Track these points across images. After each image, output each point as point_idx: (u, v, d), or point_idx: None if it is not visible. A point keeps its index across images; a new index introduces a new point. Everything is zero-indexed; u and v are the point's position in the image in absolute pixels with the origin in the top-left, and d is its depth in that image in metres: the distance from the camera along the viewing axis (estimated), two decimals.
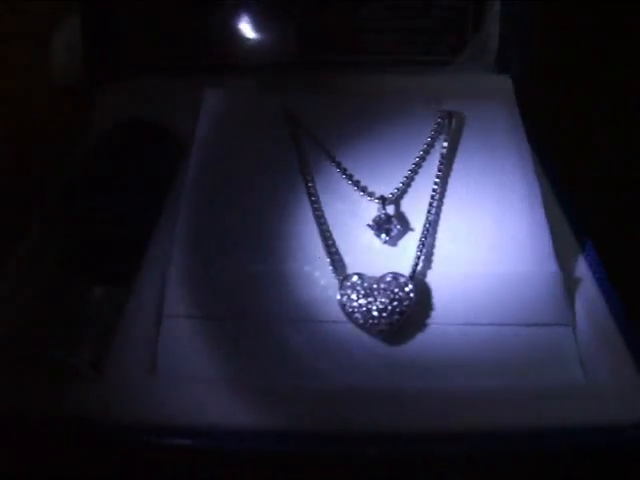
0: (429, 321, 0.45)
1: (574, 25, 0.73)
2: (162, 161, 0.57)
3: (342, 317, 0.45)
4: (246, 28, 0.64)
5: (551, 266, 0.47)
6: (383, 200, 0.50)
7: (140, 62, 0.64)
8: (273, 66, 0.64)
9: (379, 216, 0.49)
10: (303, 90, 0.57)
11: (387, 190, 0.51)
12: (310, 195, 0.50)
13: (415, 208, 0.50)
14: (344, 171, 0.52)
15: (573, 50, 0.72)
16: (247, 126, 0.54)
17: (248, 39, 0.64)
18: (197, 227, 0.49)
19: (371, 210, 0.49)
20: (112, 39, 0.63)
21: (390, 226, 0.48)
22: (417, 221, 0.49)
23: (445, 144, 0.52)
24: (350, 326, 0.45)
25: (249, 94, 0.57)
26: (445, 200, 0.50)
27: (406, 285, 0.45)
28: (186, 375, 0.43)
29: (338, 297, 0.45)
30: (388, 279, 0.45)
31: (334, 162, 0.52)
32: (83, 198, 0.53)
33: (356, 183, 0.51)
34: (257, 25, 0.64)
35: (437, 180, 0.51)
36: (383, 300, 0.45)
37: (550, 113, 0.64)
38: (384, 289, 0.45)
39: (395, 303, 0.45)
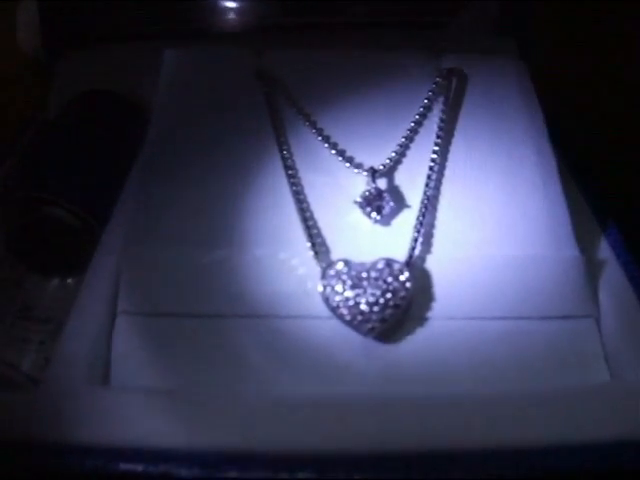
0: (429, 315, 0.40)
1: None
2: (123, 135, 0.52)
3: (325, 312, 0.39)
4: None
5: (571, 249, 0.42)
6: (373, 172, 0.43)
7: (104, 29, 0.61)
8: (247, 30, 0.60)
9: (368, 191, 0.42)
10: (280, 47, 0.51)
11: (378, 161, 0.44)
12: (287, 168, 0.43)
13: (411, 181, 0.44)
14: (327, 139, 0.45)
15: (579, 9, 0.67)
16: (213, 90, 0.47)
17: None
18: (153, 210, 0.43)
19: (359, 184, 0.43)
20: (72, 5, 0.59)
21: (381, 203, 0.42)
22: (413, 197, 0.43)
23: (444, 107, 0.46)
24: (335, 322, 0.39)
25: (216, 51, 0.50)
26: (446, 172, 0.44)
27: (401, 273, 0.39)
28: (140, 385, 0.38)
29: (320, 289, 0.39)
30: (380, 266, 0.39)
31: (315, 129, 0.45)
32: (34, 176, 0.48)
33: (341, 153, 0.44)
34: None
35: (436, 149, 0.44)
36: (374, 292, 0.38)
37: (559, 80, 0.60)
38: (375, 278, 0.39)
39: (388, 295, 0.38)
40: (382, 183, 0.43)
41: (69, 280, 0.49)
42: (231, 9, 0.61)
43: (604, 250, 0.44)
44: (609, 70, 0.64)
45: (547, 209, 0.43)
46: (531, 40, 0.58)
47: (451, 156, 0.45)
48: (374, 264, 0.39)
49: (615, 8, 0.68)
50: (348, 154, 0.44)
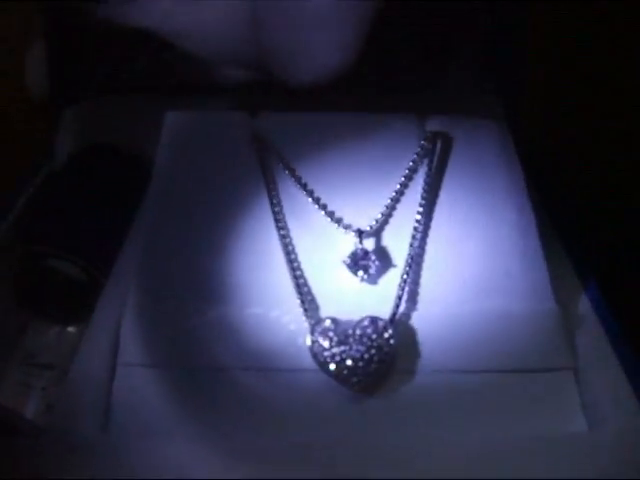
0: (413, 369, 0.41)
1: (563, 41, 0.69)
2: (125, 189, 0.53)
3: (314, 366, 0.40)
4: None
5: (548, 302, 0.43)
6: (360, 233, 0.45)
7: (107, 81, 0.61)
8: (242, 85, 0.61)
9: (355, 251, 0.44)
10: (273, 108, 0.52)
11: (365, 222, 0.46)
12: (279, 228, 0.45)
13: (396, 241, 0.45)
14: (317, 200, 0.47)
15: (564, 67, 0.69)
16: (211, 151, 0.49)
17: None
18: (154, 265, 0.45)
19: (347, 244, 0.45)
20: (78, 57, 0.61)
21: (368, 262, 0.44)
22: (398, 256, 0.45)
23: (429, 169, 0.48)
24: (323, 375, 0.40)
25: (213, 114, 0.52)
26: (429, 232, 0.46)
27: (385, 330, 0.41)
28: (141, 431, 0.39)
29: (309, 344, 0.41)
30: (365, 323, 0.41)
31: (306, 190, 0.47)
32: (38, 228, 0.50)
33: (330, 214, 0.46)
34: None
35: (420, 209, 0.46)
36: (359, 348, 0.40)
37: (542, 134, 0.62)
38: (360, 335, 0.40)
39: (373, 351, 0.40)
40: (369, 243, 0.45)
41: (71, 328, 0.50)
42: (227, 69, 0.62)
43: (583, 303, 0.45)
44: (593, 126, 0.66)
45: (526, 265, 0.44)
46: (515, 96, 0.59)
47: (435, 216, 0.46)
48: (360, 322, 0.41)
49: (604, 54, 0.70)
50: (337, 215, 0.46)
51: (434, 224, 0.46)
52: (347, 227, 0.45)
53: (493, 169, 0.48)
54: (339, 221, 0.46)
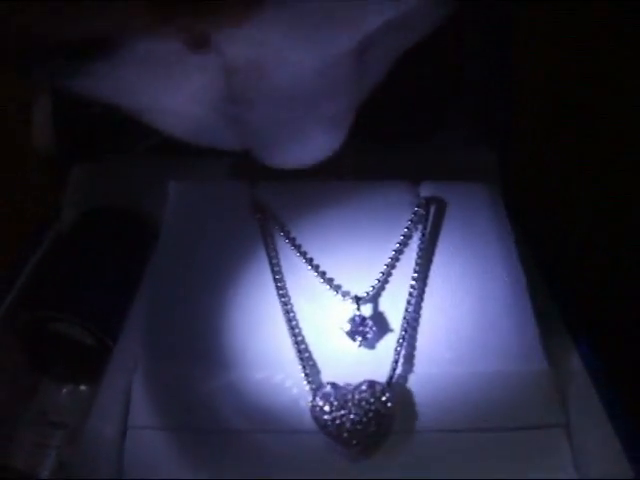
0: (410, 429, 0.43)
1: (559, 95, 0.72)
2: (131, 252, 0.55)
3: (315, 428, 0.42)
4: None
5: (539, 363, 0.45)
6: (357, 300, 0.47)
7: (112, 142, 0.64)
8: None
9: (354, 318, 0.46)
10: (271, 174, 0.55)
11: (362, 288, 0.48)
12: (280, 295, 0.47)
13: (392, 307, 0.47)
14: (316, 268, 0.49)
15: (558, 121, 0.72)
16: (213, 220, 0.52)
17: None
18: (159, 330, 0.47)
19: (346, 310, 0.47)
20: (84, 119, 0.62)
21: (365, 328, 0.46)
22: (395, 321, 0.47)
23: (423, 235, 0.50)
24: (323, 437, 0.42)
25: (216, 185, 0.54)
26: (425, 296, 0.48)
27: (383, 394, 0.43)
28: None
29: (310, 408, 0.43)
30: (363, 388, 0.43)
31: (305, 258, 0.49)
32: (49, 293, 0.51)
33: (329, 281, 0.48)
34: None
35: (415, 275, 0.48)
36: (358, 412, 0.42)
37: (536, 190, 0.64)
38: (359, 400, 0.42)
39: (371, 414, 0.42)
40: (366, 309, 0.47)
41: (82, 387, 0.52)
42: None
43: (574, 360, 0.46)
44: (584, 178, 0.67)
45: (517, 327, 0.46)
46: (508, 151, 0.61)
47: (429, 281, 0.48)
48: (358, 386, 0.43)
49: (596, 111, 0.72)
50: (335, 282, 0.48)
51: (429, 289, 0.48)
52: (345, 294, 0.47)
53: (485, 233, 0.50)
54: (337, 288, 0.48)
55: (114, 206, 0.58)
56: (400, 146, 0.62)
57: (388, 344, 0.46)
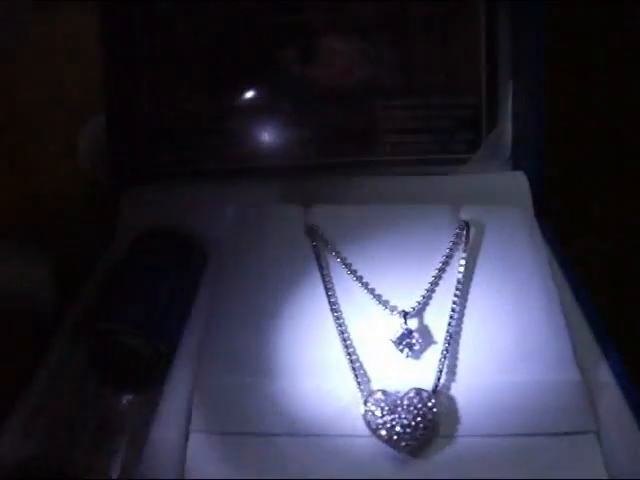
0: (454, 433, 0.46)
1: (588, 120, 0.74)
2: (186, 271, 0.58)
3: (367, 432, 0.46)
4: (264, 132, 0.66)
5: (572, 374, 0.48)
6: (405, 314, 0.51)
7: (163, 166, 0.66)
8: (290, 169, 0.66)
9: (401, 331, 0.50)
10: (322, 197, 0.59)
11: (408, 304, 0.52)
12: (333, 310, 0.51)
13: (436, 321, 0.51)
14: (366, 285, 0.53)
15: (589, 145, 0.74)
16: (268, 242, 0.56)
17: (266, 143, 0.66)
18: (218, 344, 0.50)
19: (393, 324, 0.50)
20: (136, 142, 0.65)
21: (412, 341, 0.49)
22: (439, 334, 0.50)
23: (464, 255, 0.54)
24: (375, 441, 0.45)
25: (270, 208, 0.59)
26: (466, 312, 0.51)
27: (429, 400, 0.46)
28: None
29: (362, 413, 0.46)
30: (411, 394, 0.46)
31: (356, 276, 0.53)
32: (115, 308, 0.54)
33: (378, 297, 0.52)
34: (274, 129, 0.66)
35: (457, 292, 0.52)
36: (407, 416, 0.45)
37: (567, 209, 0.66)
38: (407, 405, 0.46)
39: (419, 419, 0.45)
40: (412, 323, 0.51)
41: (142, 396, 0.53)
42: (273, 149, 0.66)
43: (604, 371, 0.49)
44: (613, 189, 0.69)
45: (552, 341, 0.49)
46: (541, 175, 0.63)
47: (470, 297, 0.52)
48: (407, 393, 0.46)
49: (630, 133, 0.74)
50: (384, 298, 0.52)
51: (469, 304, 0.52)
52: (393, 309, 0.51)
53: (520, 254, 0.54)
54: (386, 303, 0.52)
55: (168, 228, 0.60)
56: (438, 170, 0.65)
57: (433, 355, 0.49)
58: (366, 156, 0.66)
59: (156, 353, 0.52)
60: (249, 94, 0.65)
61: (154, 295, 0.55)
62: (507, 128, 0.65)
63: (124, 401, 0.53)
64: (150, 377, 0.52)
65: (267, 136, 0.66)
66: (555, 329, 0.50)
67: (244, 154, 0.66)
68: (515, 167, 0.65)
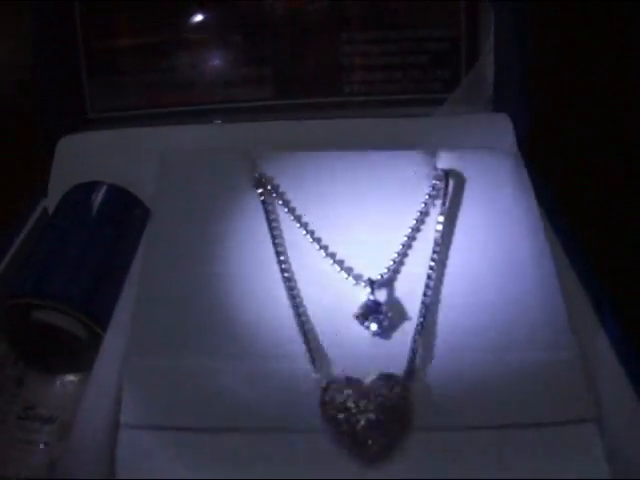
0: (430, 426, 0.39)
1: (574, 57, 0.70)
2: (123, 230, 0.51)
3: (325, 426, 0.39)
4: (212, 69, 0.61)
5: (569, 352, 0.42)
6: (371, 283, 0.43)
7: (101, 110, 0.61)
8: (242, 111, 0.61)
9: (367, 303, 0.42)
10: (275, 143, 0.52)
11: (376, 270, 0.44)
12: (286, 280, 0.44)
13: (409, 291, 0.44)
14: (325, 248, 0.45)
15: (577, 83, 0.70)
16: (210, 193, 0.49)
17: (214, 81, 0.61)
18: (151, 319, 0.43)
19: (358, 295, 0.43)
20: (70, 86, 0.60)
21: (380, 315, 0.42)
22: (412, 306, 0.43)
23: (442, 212, 0.46)
24: (335, 436, 0.39)
25: (212, 153, 0.51)
26: (444, 279, 0.44)
27: (399, 387, 0.39)
28: None
29: (320, 403, 0.39)
30: (379, 380, 0.39)
31: (313, 238, 0.46)
32: (33, 279, 0.48)
33: (339, 263, 0.45)
34: (223, 65, 0.61)
35: (434, 256, 0.45)
36: (373, 408, 0.38)
37: (556, 157, 0.61)
38: (374, 395, 0.39)
39: (387, 411, 0.38)
40: (380, 294, 0.43)
41: (71, 378, 0.49)
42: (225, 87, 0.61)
43: (605, 347, 0.43)
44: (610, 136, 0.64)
45: (546, 312, 0.43)
46: (526, 116, 0.58)
47: (449, 262, 0.45)
48: (372, 379, 0.39)
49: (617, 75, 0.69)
50: (346, 264, 0.45)
51: (449, 270, 0.45)
52: (357, 278, 0.44)
53: (509, 208, 0.48)
54: (349, 271, 0.45)
55: (102, 181, 0.54)
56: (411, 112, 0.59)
57: (405, 332, 0.42)
58: (329, 96, 0.61)
59: (85, 330, 0.46)
60: (194, 25, 0.60)
61: (81, 261, 0.48)
62: (489, 64, 0.60)
63: (57, 383, 0.49)
64: (82, 357, 0.46)
65: (215, 73, 0.61)
66: (550, 299, 0.44)
67: (190, 94, 0.61)
68: (497, 109, 0.59)
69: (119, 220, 0.52)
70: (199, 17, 0.60)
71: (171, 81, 0.61)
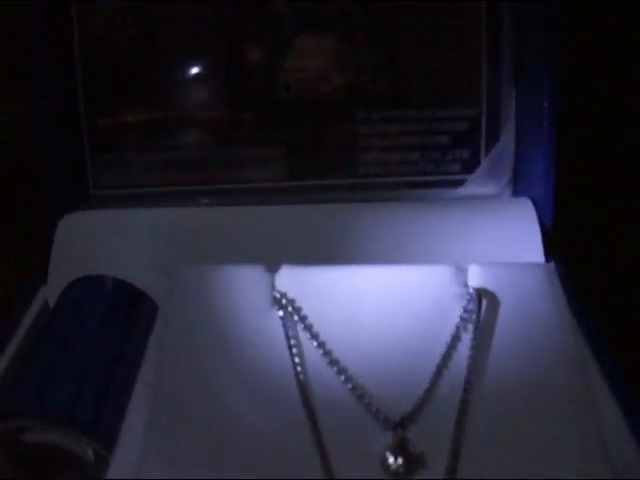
0: None
1: (600, 137, 0.67)
2: (131, 332, 0.48)
3: None
4: (223, 149, 0.59)
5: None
6: (396, 425, 0.40)
7: (104, 187, 0.59)
8: (255, 192, 0.59)
9: (392, 445, 0.39)
10: (290, 228, 0.52)
11: (402, 408, 0.41)
12: (308, 412, 0.41)
13: (437, 432, 0.40)
14: (350, 380, 0.42)
15: (602, 164, 0.67)
16: (225, 312, 0.46)
17: (225, 161, 0.59)
18: (162, 431, 0.40)
19: (383, 434, 0.40)
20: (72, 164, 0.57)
21: (406, 458, 0.39)
22: (440, 449, 0.39)
23: (474, 339, 0.43)
24: None
25: (229, 270, 0.48)
26: (476, 418, 0.40)
27: None
28: None
29: None
30: None
31: (338, 367, 0.42)
32: (14, 394, 0.44)
33: (361, 398, 0.41)
34: (235, 144, 0.59)
35: (467, 387, 0.41)
36: None
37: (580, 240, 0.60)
38: None
39: None
40: (407, 434, 0.40)
41: None
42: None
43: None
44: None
45: (585, 449, 0.40)
46: (548, 200, 0.55)
47: (482, 398, 0.42)
48: None
49: None
50: (371, 399, 0.41)
51: (480, 406, 0.41)
52: (384, 415, 0.40)
53: (543, 325, 0.44)
54: (373, 407, 0.41)
55: (107, 275, 0.50)
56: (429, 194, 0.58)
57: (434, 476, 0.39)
58: (344, 178, 0.59)
59: (93, 451, 0.42)
60: (202, 102, 0.59)
61: (87, 371, 0.44)
62: (510, 145, 0.58)
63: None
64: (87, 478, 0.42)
65: (224, 153, 0.59)
66: (588, 431, 0.40)
67: (197, 174, 0.59)
68: (517, 190, 0.58)
69: (125, 320, 0.48)
70: (207, 94, 0.59)
71: (177, 160, 0.59)
